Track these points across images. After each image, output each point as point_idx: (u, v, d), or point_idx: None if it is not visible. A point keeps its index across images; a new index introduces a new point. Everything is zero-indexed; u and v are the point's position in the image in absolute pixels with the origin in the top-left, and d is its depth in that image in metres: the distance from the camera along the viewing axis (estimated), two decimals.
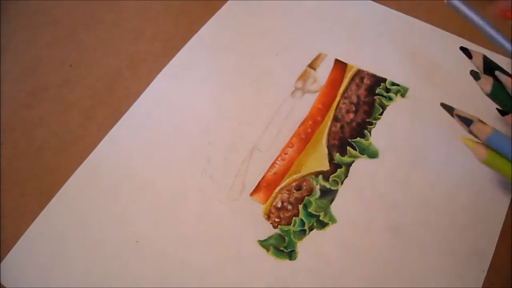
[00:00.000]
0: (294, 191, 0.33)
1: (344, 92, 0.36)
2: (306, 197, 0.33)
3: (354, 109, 0.36)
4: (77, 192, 0.33)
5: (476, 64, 0.31)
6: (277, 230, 0.32)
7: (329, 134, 0.35)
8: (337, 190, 0.33)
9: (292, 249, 0.31)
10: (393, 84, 0.36)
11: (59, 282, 0.30)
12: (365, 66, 0.37)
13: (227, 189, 0.33)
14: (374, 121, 0.35)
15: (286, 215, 0.32)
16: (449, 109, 0.30)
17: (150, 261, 0.31)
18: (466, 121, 0.30)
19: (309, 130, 0.35)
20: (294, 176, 0.33)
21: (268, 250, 0.31)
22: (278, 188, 0.33)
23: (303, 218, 0.32)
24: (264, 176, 0.33)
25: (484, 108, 0.34)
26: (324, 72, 0.38)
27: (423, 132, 0.34)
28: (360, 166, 0.34)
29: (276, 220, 0.32)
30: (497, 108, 0.32)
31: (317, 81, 0.37)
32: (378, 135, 0.35)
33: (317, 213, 0.32)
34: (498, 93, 0.30)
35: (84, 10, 0.42)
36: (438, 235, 0.31)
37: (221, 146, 0.35)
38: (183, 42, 0.40)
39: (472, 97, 0.35)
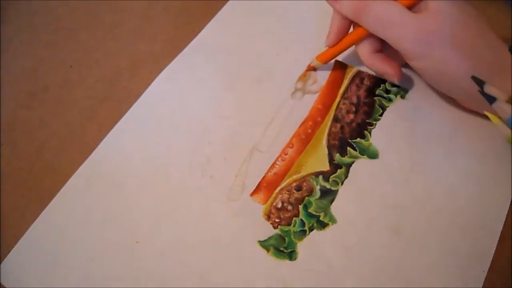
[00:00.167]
0: (294, 191, 0.33)
1: (344, 92, 0.37)
2: (306, 198, 0.33)
3: (354, 109, 0.36)
4: (77, 193, 0.33)
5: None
6: (277, 231, 0.32)
7: (329, 135, 0.35)
8: (337, 191, 0.33)
9: (292, 249, 0.31)
10: (393, 85, 0.36)
11: (59, 282, 0.31)
12: (365, 67, 0.37)
13: (227, 189, 0.33)
14: (374, 122, 0.35)
15: (286, 215, 0.32)
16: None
17: (150, 261, 0.31)
18: (491, 98, 0.29)
19: (309, 130, 0.35)
20: (294, 177, 0.33)
21: (268, 250, 0.31)
22: (278, 188, 0.33)
23: (303, 219, 0.32)
24: (264, 177, 0.33)
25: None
26: (324, 72, 0.38)
27: (423, 133, 0.35)
28: (360, 166, 0.34)
29: (276, 220, 0.32)
30: None
31: (317, 82, 0.37)
32: (378, 135, 0.35)
33: (317, 214, 0.32)
34: None
35: (84, 10, 0.42)
36: (438, 235, 0.31)
37: (221, 146, 0.35)
38: (183, 42, 0.40)
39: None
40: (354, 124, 0.35)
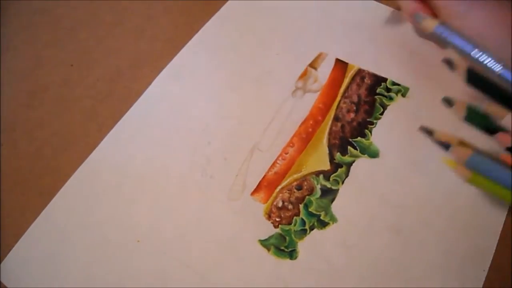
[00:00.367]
0: (295, 190, 0.33)
1: (345, 91, 0.36)
2: (307, 197, 0.33)
3: (355, 108, 0.36)
4: (77, 192, 0.33)
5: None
6: (278, 230, 0.32)
7: (330, 134, 0.35)
8: (337, 190, 0.33)
9: (293, 248, 0.31)
10: (394, 83, 0.36)
11: (60, 281, 0.30)
12: (366, 66, 0.37)
13: (228, 189, 0.33)
14: (375, 121, 0.35)
15: (287, 214, 0.32)
16: (429, 133, 0.29)
17: (150, 260, 0.31)
18: (445, 145, 0.29)
19: (310, 129, 0.35)
20: (295, 176, 0.33)
21: (268, 249, 0.31)
22: (279, 187, 0.33)
23: (303, 218, 0.32)
24: (264, 176, 0.33)
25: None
26: (325, 71, 0.38)
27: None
28: (361, 165, 0.34)
29: (277, 219, 0.32)
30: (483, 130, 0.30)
31: (318, 81, 0.37)
32: (378, 134, 0.35)
33: (318, 213, 0.32)
34: (474, 117, 0.29)
35: (84, 10, 0.42)
36: (438, 234, 0.31)
37: (222, 146, 0.35)
38: (184, 42, 0.40)
39: (472, 97, 0.35)
40: (354, 123, 0.35)
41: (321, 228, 0.32)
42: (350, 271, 0.30)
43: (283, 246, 0.31)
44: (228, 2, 0.41)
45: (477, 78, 0.27)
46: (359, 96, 0.36)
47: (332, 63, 0.38)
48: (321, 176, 0.33)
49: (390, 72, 0.37)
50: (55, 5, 0.43)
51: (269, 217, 0.32)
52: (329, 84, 0.37)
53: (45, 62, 0.40)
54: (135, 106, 0.37)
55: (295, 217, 0.32)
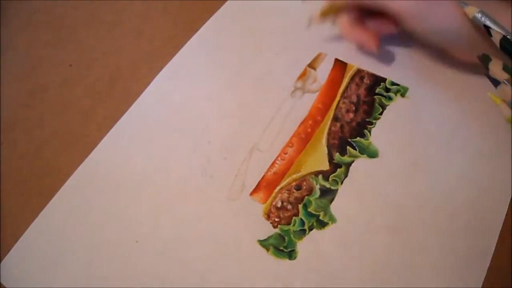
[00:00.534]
0: (294, 190, 0.33)
1: (344, 91, 0.36)
2: (306, 197, 0.33)
3: (354, 108, 0.36)
4: (77, 192, 0.33)
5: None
6: (277, 230, 0.32)
7: (329, 134, 0.35)
8: (337, 190, 0.33)
9: (292, 248, 0.31)
10: (393, 83, 0.36)
11: (59, 282, 0.31)
12: (365, 66, 0.37)
13: (227, 188, 0.33)
14: (374, 121, 0.35)
15: (286, 214, 0.32)
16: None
17: (150, 261, 0.31)
18: (495, 81, 0.30)
19: (309, 129, 0.35)
20: (294, 176, 0.33)
21: (268, 249, 0.31)
22: (278, 187, 0.33)
23: (303, 218, 0.32)
24: (264, 176, 0.33)
25: (485, 108, 0.34)
26: (324, 71, 0.37)
27: (423, 132, 0.34)
28: (360, 165, 0.34)
29: (276, 219, 0.32)
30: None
31: (317, 81, 0.37)
32: (378, 134, 0.35)
33: (317, 213, 0.32)
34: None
35: (84, 10, 0.42)
36: (438, 235, 0.31)
37: (221, 146, 0.35)
38: (183, 41, 0.40)
39: (472, 97, 0.35)
40: (354, 123, 0.35)
41: (320, 228, 0.32)
42: (349, 271, 0.30)
43: (282, 246, 0.31)
44: (227, 2, 0.41)
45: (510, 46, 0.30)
46: (358, 96, 0.36)
47: (331, 63, 0.38)
48: (320, 176, 0.33)
49: (389, 72, 0.37)
50: (55, 5, 0.43)
51: (268, 217, 0.32)
52: (328, 84, 0.37)
53: (44, 62, 0.40)
54: (135, 106, 0.37)
55: (294, 217, 0.32)
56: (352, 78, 0.37)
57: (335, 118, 0.35)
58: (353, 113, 0.36)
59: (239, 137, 0.35)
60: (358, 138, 0.35)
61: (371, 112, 0.35)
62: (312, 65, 0.38)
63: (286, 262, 0.31)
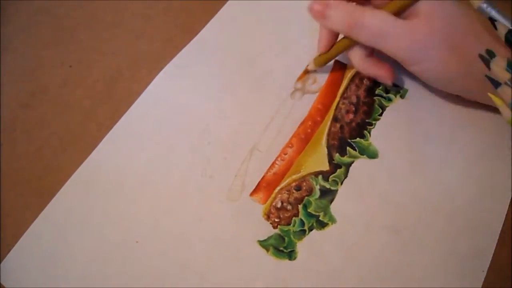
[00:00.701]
0: (294, 191, 0.33)
1: (343, 92, 0.37)
2: (306, 197, 0.33)
3: (354, 109, 0.36)
4: (77, 192, 0.33)
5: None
6: (276, 230, 0.32)
7: (328, 135, 0.35)
8: (336, 190, 0.33)
9: (292, 249, 0.31)
10: (392, 85, 0.36)
11: (59, 282, 0.31)
12: None
13: (227, 189, 0.33)
14: (373, 122, 0.35)
15: (286, 215, 0.32)
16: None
17: (150, 261, 0.31)
18: (496, 82, 0.30)
19: (309, 130, 0.35)
20: (294, 176, 0.33)
21: (267, 250, 0.31)
22: (278, 188, 0.33)
23: (302, 218, 0.32)
24: (263, 176, 0.34)
25: (485, 109, 0.34)
26: (323, 72, 0.38)
27: (422, 132, 0.35)
28: (360, 166, 0.34)
29: (276, 220, 0.32)
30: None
31: (317, 82, 0.37)
32: (377, 135, 0.35)
33: (317, 213, 0.32)
34: None
35: (84, 10, 0.42)
36: (438, 235, 0.31)
37: (221, 146, 0.35)
38: (183, 42, 0.40)
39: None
40: (353, 124, 0.35)
41: (320, 229, 0.32)
42: (349, 271, 0.30)
43: (282, 247, 0.31)
44: (228, 3, 0.41)
45: None
46: (358, 97, 0.36)
47: (331, 64, 0.38)
48: (320, 177, 0.33)
49: None
50: (55, 5, 0.43)
51: (268, 217, 0.32)
52: (328, 85, 0.37)
53: (44, 62, 0.40)
54: (135, 106, 0.37)
55: (294, 218, 0.32)
56: (351, 79, 0.37)
57: (335, 119, 0.35)
58: (353, 114, 0.36)
59: (239, 138, 0.35)
60: (358, 138, 0.35)
61: (371, 113, 0.36)
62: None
63: (286, 262, 0.31)
